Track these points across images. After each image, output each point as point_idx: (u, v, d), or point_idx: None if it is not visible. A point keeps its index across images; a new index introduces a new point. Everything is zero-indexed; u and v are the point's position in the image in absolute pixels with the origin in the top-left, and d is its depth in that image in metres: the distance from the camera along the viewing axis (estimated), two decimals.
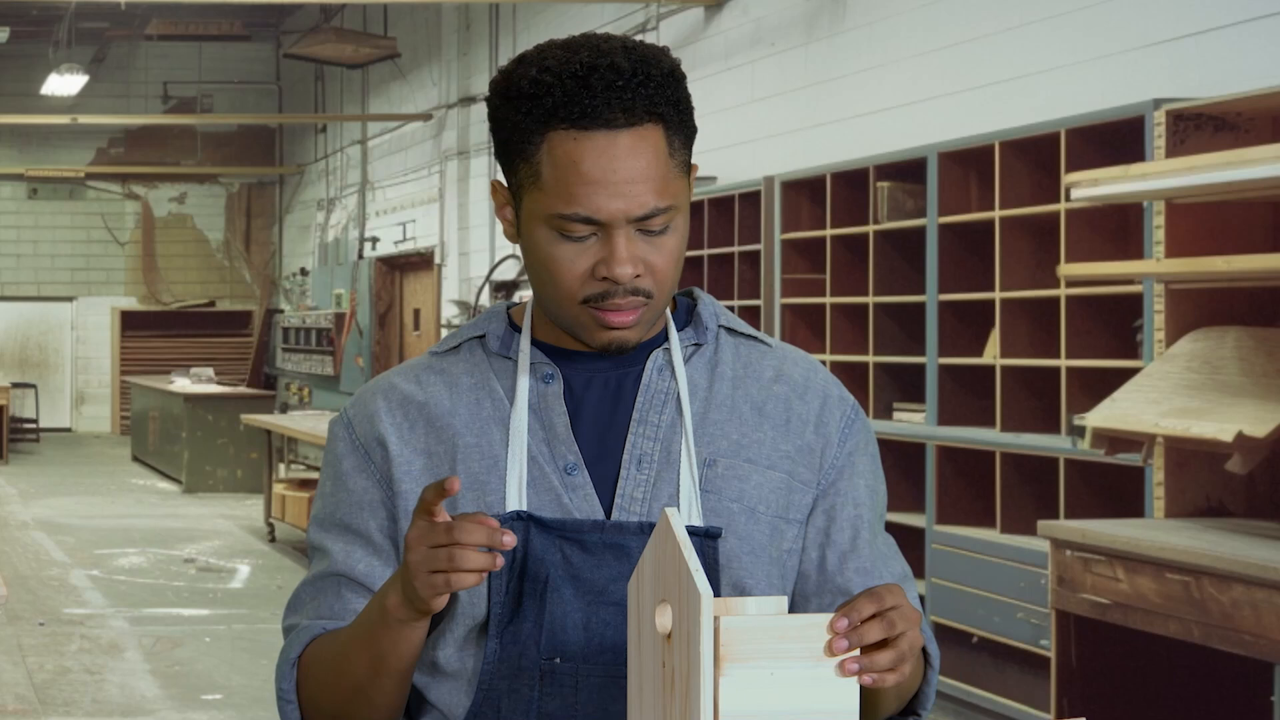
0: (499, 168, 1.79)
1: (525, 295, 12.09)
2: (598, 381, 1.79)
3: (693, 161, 1.78)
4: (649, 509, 1.75)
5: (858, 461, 1.84)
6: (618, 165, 1.68)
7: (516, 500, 1.73)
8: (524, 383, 1.77)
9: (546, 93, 1.68)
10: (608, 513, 1.75)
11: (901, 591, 1.53)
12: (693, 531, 1.73)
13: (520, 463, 1.74)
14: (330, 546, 1.80)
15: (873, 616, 1.48)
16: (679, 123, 1.72)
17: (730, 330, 1.85)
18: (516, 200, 1.75)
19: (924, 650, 1.75)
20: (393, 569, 1.77)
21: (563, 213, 1.68)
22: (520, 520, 1.71)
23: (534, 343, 1.80)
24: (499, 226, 12.10)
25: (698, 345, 1.82)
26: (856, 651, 1.47)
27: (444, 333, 13.63)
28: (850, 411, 1.85)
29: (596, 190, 1.67)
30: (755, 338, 1.86)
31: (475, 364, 1.81)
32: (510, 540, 1.54)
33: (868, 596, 1.49)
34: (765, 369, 1.84)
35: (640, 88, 1.68)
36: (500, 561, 1.55)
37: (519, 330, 1.82)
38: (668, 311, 1.82)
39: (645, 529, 1.72)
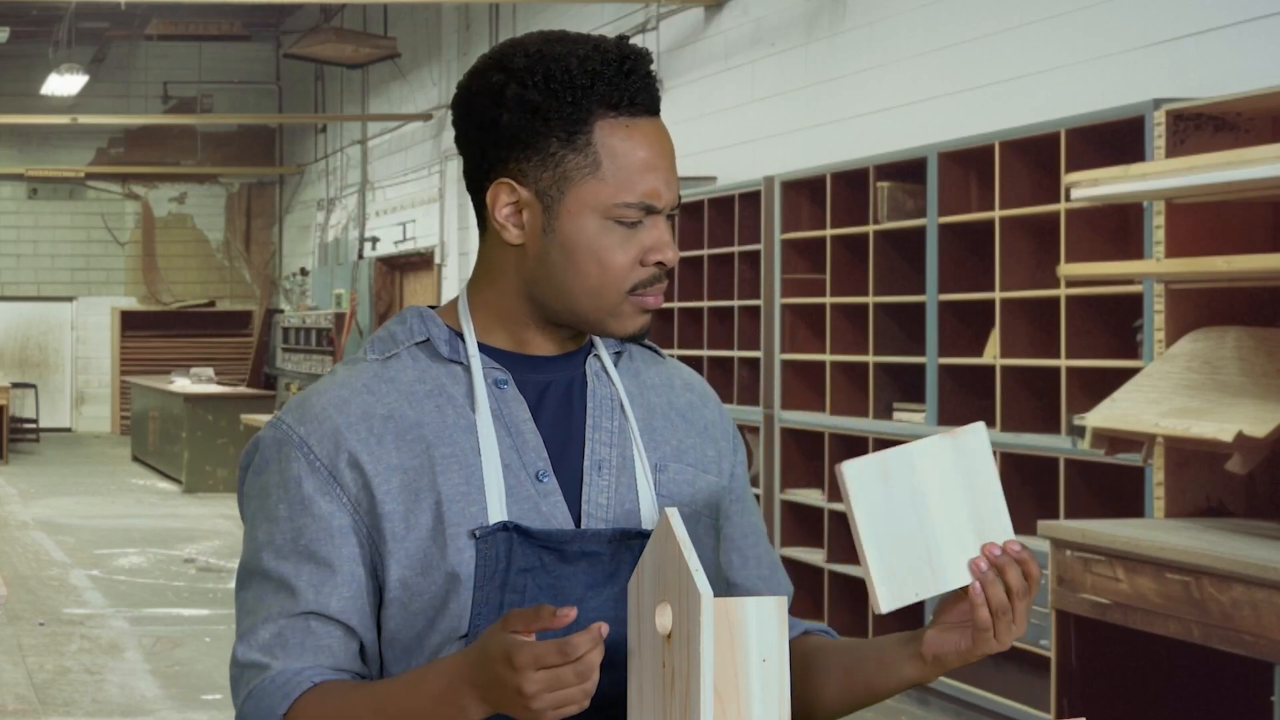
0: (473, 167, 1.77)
1: None
2: (544, 386, 1.78)
3: None
4: (614, 514, 1.75)
5: (744, 472, 1.91)
6: (665, 150, 1.73)
7: (499, 510, 1.71)
8: (481, 389, 1.75)
9: (596, 80, 1.69)
10: (576, 520, 1.74)
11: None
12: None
13: (496, 471, 1.72)
14: (294, 580, 1.71)
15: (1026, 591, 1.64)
16: None
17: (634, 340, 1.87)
18: (549, 195, 1.71)
19: None
20: (364, 600, 1.72)
21: (628, 201, 1.69)
22: (506, 531, 1.70)
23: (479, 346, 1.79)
24: None
25: (618, 353, 1.84)
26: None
27: None
28: (732, 423, 1.93)
29: (655, 176, 1.71)
30: (652, 348, 1.90)
31: (422, 370, 1.76)
32: (606, 629, 1.53)
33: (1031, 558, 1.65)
34: (673, 378, 1.88)
35: (654, 77, 1.74)
36: (606, 629, 1.53)
37: (457, 333, 1.78)
38: None
39: (617, 536, 1.72)
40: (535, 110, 1.70)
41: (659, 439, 1.80)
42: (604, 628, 1.51)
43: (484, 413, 1.73)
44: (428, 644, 1.71)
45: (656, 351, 1.90)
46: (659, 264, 1.71)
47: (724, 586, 1.85)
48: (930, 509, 1.59)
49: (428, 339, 1.78)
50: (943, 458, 1.61)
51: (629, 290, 1.72)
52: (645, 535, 1.72)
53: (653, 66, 1.74)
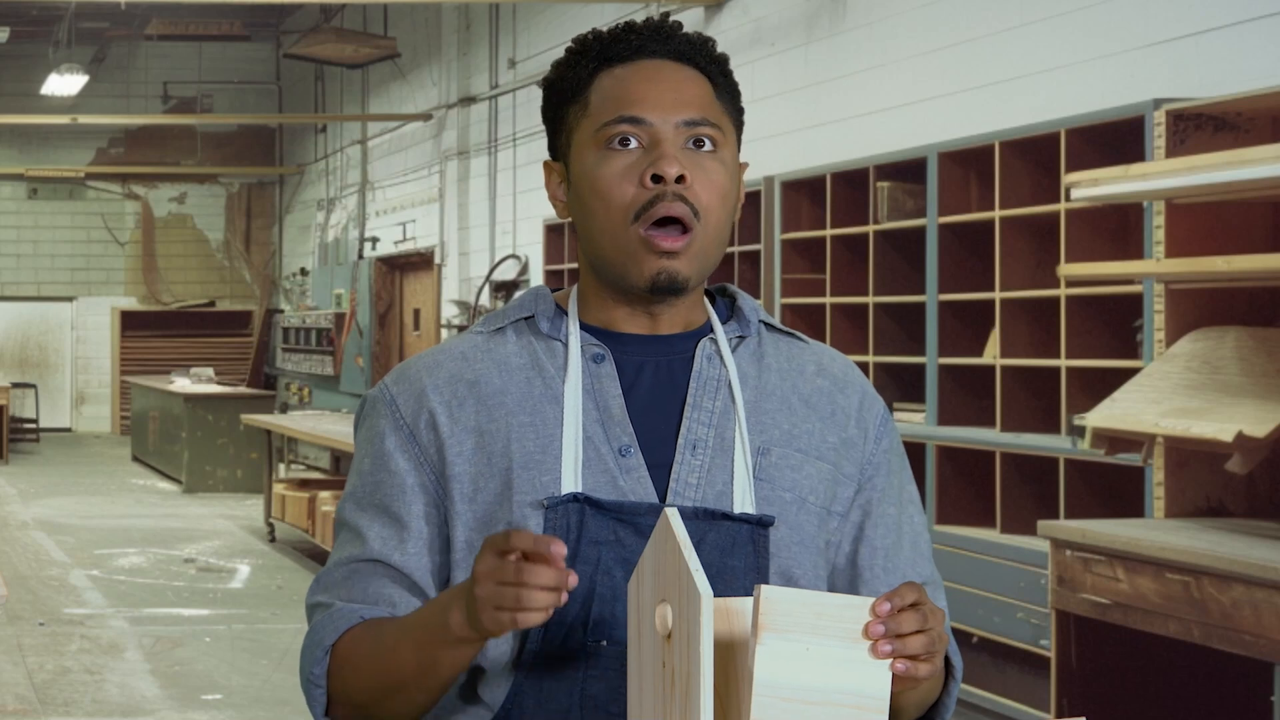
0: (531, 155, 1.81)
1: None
2: (648, 366, 1.79)
3: (741, 160, 1.83)
4: (703, 494, 1.74)
5: (893, 460, 1.86)
6: (662, 77, 1.75)
7: (572, 481, 1.72)
8: (576, 363, 1.77)
9: (596, 40, 1.77)
10: (661, 497, 1.74)
11: (925, 591, 1.55)
12: (746, 519, 1.74)
13: (575, 443, 1.73)
14: (367, 531, 1.77)
15: (912, 606, 1.50)
16: (724, 87, 1.79)
17: (769, 326, 1.87)
18: (566, 156, 1.78)
19: (946, 658, 1.75)
20: (429, 557, 1.76)
21: (608, 119, 1.73)
22: (576, 502, 1.71)
23: (582, 325, 1.80)
24: (499, 226, 12.05)
25: (742, 337, 1.84)
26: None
27: (444, 333, 13.62)
28: (883, 411, 1.88)
29: (642, 95, 1.73)
30: (792, 334, 1.89)
31: (523, 345, 1.80)
32: (574, 581, 1.53)
33: (909, 586, 1.52)
34: (807, 363, 1.85)
35: (685, 40, 1.77)
36: (565, 599, 1.53)
37: (565, 313, 1.82)
38: (708, 304, 1.85)
39: (700, 514, 1.72)
40: (555, 88, 1.80)
41: (767, 422, 1.79)
42: (560, 547, 1.51)
43: (573, 386, 1.76)
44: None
45: (798, 337, 1.88)
46: (656, 178, 1.71)
47: (854, 581, 1.82)
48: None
49: (533, 315, 1.81)
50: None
51: (635, 219, 1.72)
52: (729, 517, 1.73)
53: (675, 30, 1.77)
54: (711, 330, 1.82)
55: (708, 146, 1.74)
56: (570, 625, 1.71)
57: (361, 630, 1.72)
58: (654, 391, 1.78)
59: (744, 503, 1.75)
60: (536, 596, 1.52)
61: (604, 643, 1.71)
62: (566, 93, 1.78)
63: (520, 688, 1.72)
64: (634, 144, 1.73)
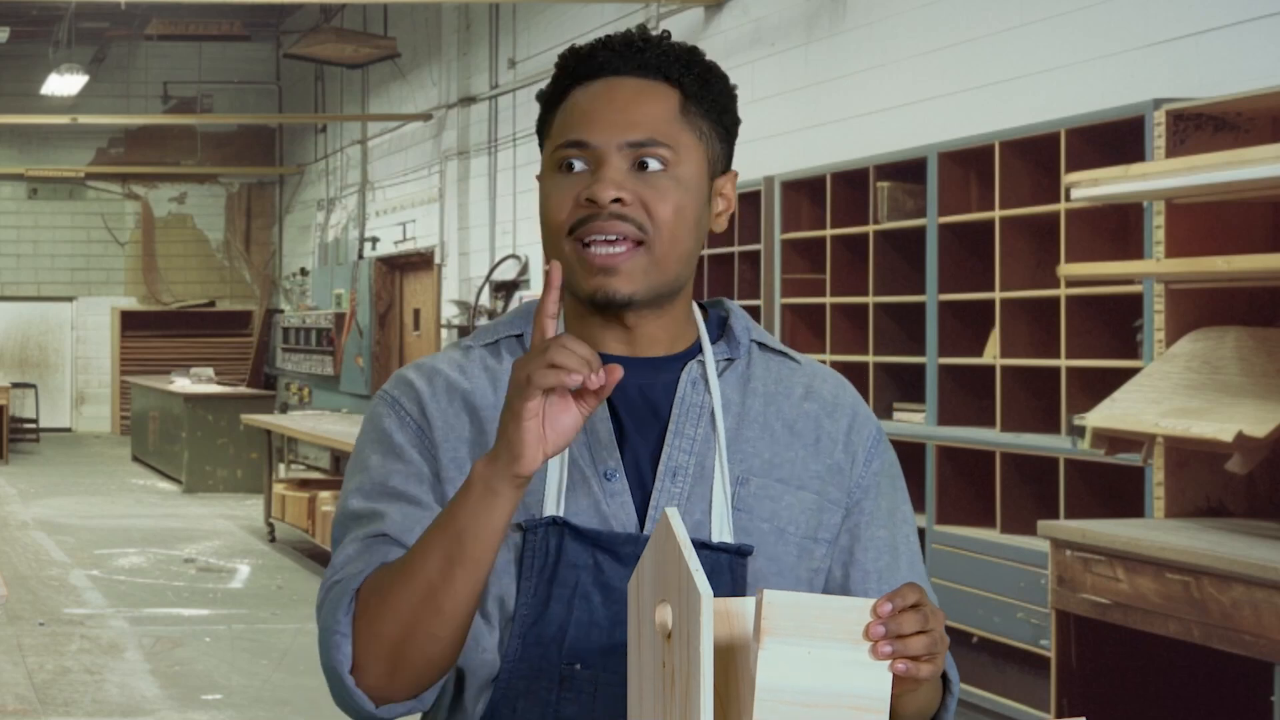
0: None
1: (525, 295, 12.08)
2: (632, 389, 1.77)
3: (734, 168, 1.84)
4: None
5: (883, 483, 1.84)
6: (616, 98, 1.75)
7: (555, 504, 1.72)
8: None
9: (573, 56, 1.79)
10: (641, 522, 1.74)
11: (925, 593, 1.54)
12: (724, 549, 1.73)
13: (561, 466, 1.73)
14: (386, 511, 1.73)
15: (913, 607, 1.49)
16: (699, 98, 1.78)
17: (761, 345, 1.85)
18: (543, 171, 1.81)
19: (943, 674, 1.74)
20: None
21: (559, 142, 1.75)
22: (555, 526, 1.71)
23: None
24: (499, 226, 12.05)
25: (730, 360, 1.82)
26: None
27: (444, 333, 13.63)
28: (875, 432, 1.85)
29: (591, 118, 1.74)
30: (785, 354, 1.87)
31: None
32: (601, 378, 1.56)
33: (910, 587, 1.51)
34: (796, 386, 1.83)
35: (657, 51, 1.78)
36: (600, 378, 1.55)
37: None
38: (700, 323, 1.82)
39: None
40: (541, 104, 1.83)
41: (747, 450, 1.77)
42: (617, 371, 1.55)
43: None
44: (476, 620, 1.71)
45: (791, 357, 1.86)
46: (589, 200, 1.71)
47: None
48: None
49: (523, 334, 1.82)
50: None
51: (570, 233, 1.73)
52: (708, 546, 1.71)
53: (647, 43, 1.79)
54: (699, 352, 1.81)
55: (654, 167, 1.73)
56: (545, 646, 1.71)
57: (384, 569, 1.68)
58: (640, 416, 1.77)
59: (722, 532, 1.74)
60: (572, 356, 1.55)
61: (578, 666, 1.71)
62: (549, 108, 1.81)
63: (496, 706, 1.72)
64: (580, 166, 1.73)
